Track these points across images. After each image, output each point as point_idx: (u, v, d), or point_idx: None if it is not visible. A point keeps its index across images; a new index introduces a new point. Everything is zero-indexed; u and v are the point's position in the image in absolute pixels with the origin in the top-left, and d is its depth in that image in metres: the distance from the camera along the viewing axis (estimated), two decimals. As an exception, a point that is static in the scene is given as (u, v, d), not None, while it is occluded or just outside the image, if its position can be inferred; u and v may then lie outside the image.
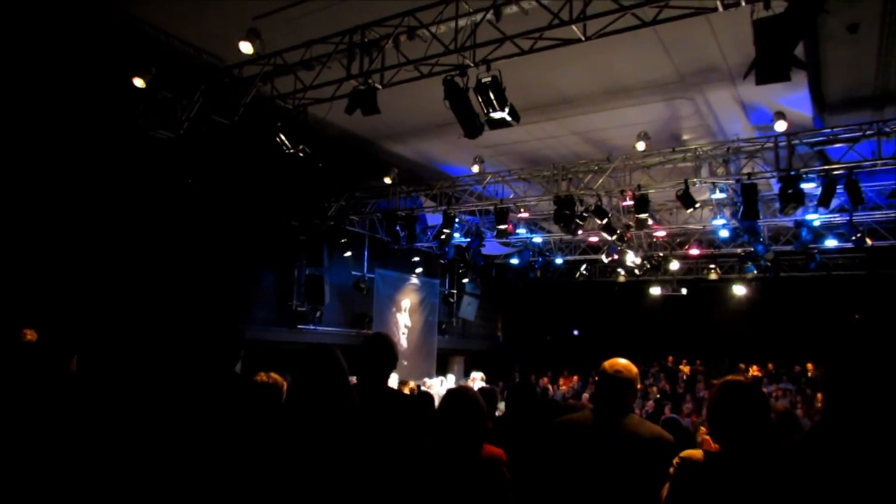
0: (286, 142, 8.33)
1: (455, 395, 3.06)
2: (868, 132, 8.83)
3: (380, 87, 7.17)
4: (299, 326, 13.07)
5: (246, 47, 7.33)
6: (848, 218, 11.16)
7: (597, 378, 3.24)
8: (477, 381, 12.55)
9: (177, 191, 9.72)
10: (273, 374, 3.90)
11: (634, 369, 3.15)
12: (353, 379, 3.40)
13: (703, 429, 4.82)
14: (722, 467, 2.43)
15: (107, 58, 7.98)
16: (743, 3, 5.51)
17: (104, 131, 8.61)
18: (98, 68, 8.08)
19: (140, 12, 7.59)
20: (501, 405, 6.44)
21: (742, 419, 2.47)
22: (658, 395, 15.07)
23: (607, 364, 3.18)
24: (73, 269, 8.41)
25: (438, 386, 13.32)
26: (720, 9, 5.65)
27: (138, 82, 7.75)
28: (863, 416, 2.17)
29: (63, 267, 8.32)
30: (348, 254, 14.03)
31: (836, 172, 9.18)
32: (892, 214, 11.23)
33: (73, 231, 8.50)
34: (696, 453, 2.53)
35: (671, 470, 2.55)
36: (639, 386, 3.16)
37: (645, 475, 2.85)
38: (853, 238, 11.40)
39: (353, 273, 14.59)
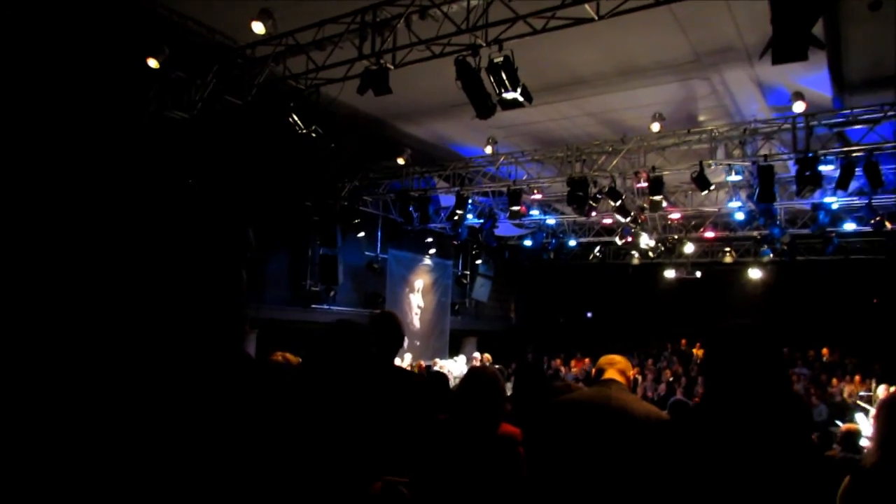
0: (298, 122, 8.33)
1: (477, 374, 3.14)
2: (889, 113, 8.68)
3: (392, 66, 7.14)
4: (313, 306, 13.19)
5: (258, 27, 7.32)
6: (867, 201, 10.99)
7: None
8: (480, 361, 12.66)
9: (190, 171, 9.76)
10: (287, 355, 3.94)
11: (620, 360, 3.21)
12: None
13: None
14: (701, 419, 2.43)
15: (119, 38, 7.97)
16: (760, -19, 5.42)
17: (117, 111, 8.64)
18: (110, 49, 8.06)
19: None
20: (509, 385, 6.49)
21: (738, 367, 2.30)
22: (671, 378, 15.04)
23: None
24: (81, 250, 8.46)
25: (452, 365, 13.44)
26: (737, -14, 5.56)
27: (152, 63, 7.79)
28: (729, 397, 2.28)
29: (71, 248, 8.37)
30: (361, 234, 14.07)
31: (855, 154, 9.05)
32: (913, 197, 11.07)
33: (85, 212, 8.54)
34: None
35: None
36: (631, 373, 3.23)
37: (636, 453, 2.85)
38: (872, 221, 11.21)
39: (367, 253, 14.66)
